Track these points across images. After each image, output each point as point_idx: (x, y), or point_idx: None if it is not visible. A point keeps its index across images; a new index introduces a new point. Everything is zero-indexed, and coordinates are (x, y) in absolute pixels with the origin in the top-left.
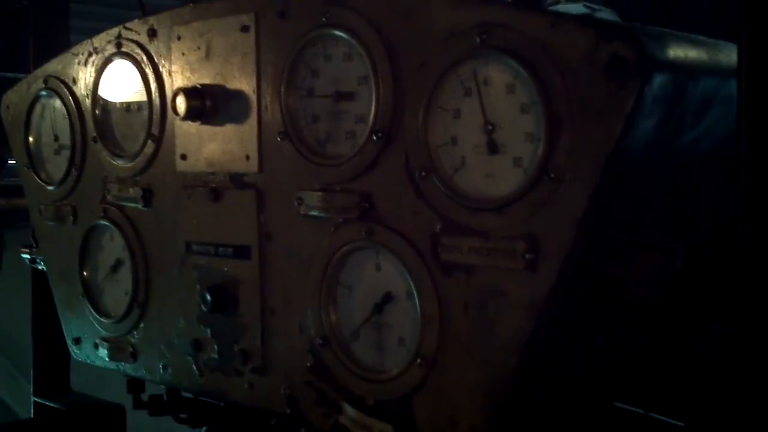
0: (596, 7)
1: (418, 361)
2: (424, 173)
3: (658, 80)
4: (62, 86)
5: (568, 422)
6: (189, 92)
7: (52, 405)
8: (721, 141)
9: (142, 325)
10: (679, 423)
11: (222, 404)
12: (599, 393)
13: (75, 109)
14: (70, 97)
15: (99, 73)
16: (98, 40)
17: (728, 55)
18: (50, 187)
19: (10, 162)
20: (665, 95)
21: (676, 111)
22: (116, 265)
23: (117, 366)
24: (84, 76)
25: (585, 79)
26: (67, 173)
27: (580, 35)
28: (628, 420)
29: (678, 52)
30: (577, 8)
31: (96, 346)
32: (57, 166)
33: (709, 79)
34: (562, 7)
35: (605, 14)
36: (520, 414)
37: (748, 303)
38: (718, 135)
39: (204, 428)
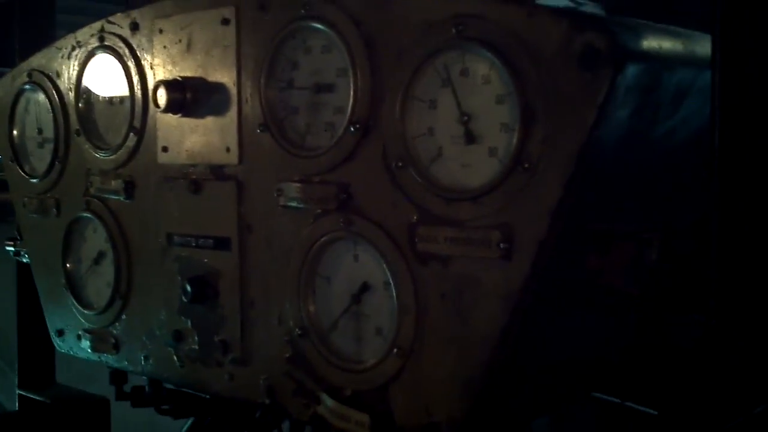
0: (581, 0)
1: (395, 350)
2: (400, 164)
3: (632, 70)
4: (46, 80)
5: (546, 412)
6: (170, 85)
7: (36, 397)
8: (697, 131)
9: (124, 316)
10: (652, 411)
11: (205, 396)
12: (576, 383)
13: (58, 103)
14: (54, 91)
15: (82, 66)
16: (81, 34)
17: (704, 46)
18: (34, 180)
19: None
20: (639, 85)
21: (650, 101)
22: (99, 257)
23: (99, 357)
24: (67, 70)
25: (559, 70)
26: (51, 166)
27: (555, 26)
28: (604, 409)
29: (652, 42)
30: (561, 1)
31: (79, 338)
32: (41, 159)
33: (685, 70)
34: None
35: (590, 7)
36: (496, 403)
37: (722, 293)
38: (695, 125)
39: (191, 420)
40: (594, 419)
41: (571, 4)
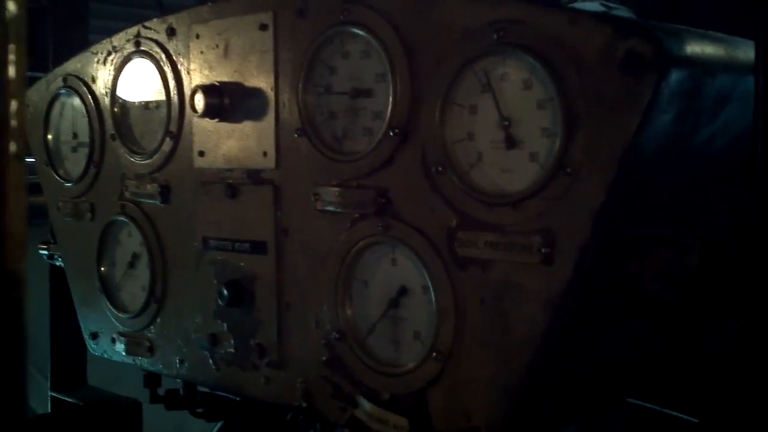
0: (612, 5)
1: (434, 354)
2: (440, 169)
3: (675, 76)
4: (81, 85)
5: (583, 417)
6: (207, 90)
7: (69, 400)
8: (738, 137)
9: (159, 320)
10: (693, 419)
11: (238, 399)
12: (614, 388)
13: (94, 108)
14: (89, 96)
15: (118, 71)
16: (117, 39)
17: (745, 52)
18: (69, 184)
19: (27, 159)
20: (682, 91)
21: (692, 107)
22: (133, 261)
23: (134, 360)
24: (103, 75)
25: (602, 75)
26: (86, 170)
27: (598, 31)
28: (643, 416)
29: (695, 48)
30: (593, 6)
31: (113, 341)
32: (75, 163)
33: (726, 76)
34: (578, 5)
35: (621, 12)
36: (534, 408)
37: (763, 299)
38: (735, 131)
39: (220, 423)
40: (628, 427)
41: (602, 8)
